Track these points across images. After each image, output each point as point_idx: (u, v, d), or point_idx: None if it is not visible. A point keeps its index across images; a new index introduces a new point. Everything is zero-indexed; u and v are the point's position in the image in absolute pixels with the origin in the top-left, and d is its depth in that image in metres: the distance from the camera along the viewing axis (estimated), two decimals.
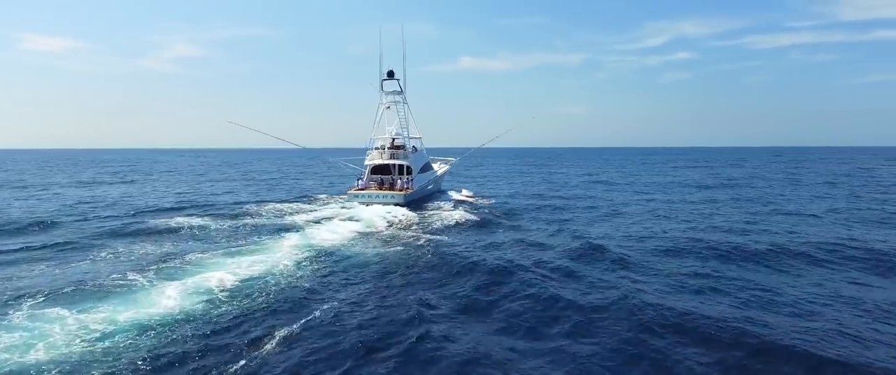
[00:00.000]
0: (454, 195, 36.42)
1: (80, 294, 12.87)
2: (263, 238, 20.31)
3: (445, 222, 25.04)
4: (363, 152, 34.75)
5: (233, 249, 18.15)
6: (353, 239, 20.68)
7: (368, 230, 22.83)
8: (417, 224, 24.95)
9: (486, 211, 29.27)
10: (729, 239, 20.35)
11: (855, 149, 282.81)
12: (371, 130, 34.69)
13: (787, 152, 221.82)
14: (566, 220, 26.63)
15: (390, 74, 33.81)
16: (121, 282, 13.76)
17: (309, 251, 18.05)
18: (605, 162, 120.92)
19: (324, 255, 17.60)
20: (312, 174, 70.36)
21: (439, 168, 40.13)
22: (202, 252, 17.66)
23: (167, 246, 18.91)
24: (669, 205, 32.43)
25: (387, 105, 34.12)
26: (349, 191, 30.41)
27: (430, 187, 34.98)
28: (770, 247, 18.58)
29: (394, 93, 34.22)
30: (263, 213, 27.33)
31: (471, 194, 37.36)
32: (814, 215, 27.33)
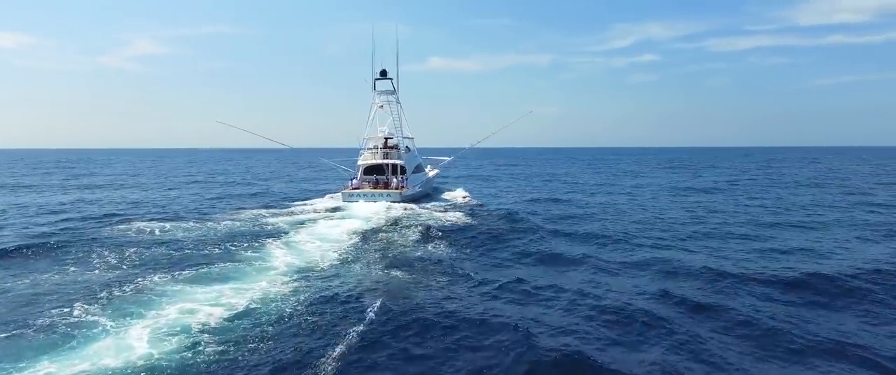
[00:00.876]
0: (448, 196, 34.62)
1: (12, 341, 9.71)
2: (246, 252, 17.14)
3: (448, 226, 22.62)
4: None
5: (210, 269, 15.01)
6: (353, 250, 17.81)
7: (368, 238, 20.02)
8: (419, 228, 22.27)
9: (485, 213, 27.24)
10: (771, 262, 18.57)
11: (817, 150, 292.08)
12: (364, 130, 33.82)
13: (755, 152, 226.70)
14: (567, 222, 25.15)
15: (383, 73, 33.25)
16: (69, 321, 10.59)
17: (306, 270, 15.12)
18: (586, 163, 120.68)
19: (325, 276, 14.71)
20: (285, 176, 66.42)
21: (430, 170, 38.90)
22: (171, 272, 14.50)
23: (126, 265, 15.57)
24: (662, 210, 30.83)
25: (380, 104, 33.42)
26: (343, 191, 29.10)
27: (423, 188, 33.92)
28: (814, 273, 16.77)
29: (387, 92, 33.64)
30: (240, 220, 24.04)
31: (466, 195, 35.61)
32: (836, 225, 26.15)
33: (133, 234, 20.39)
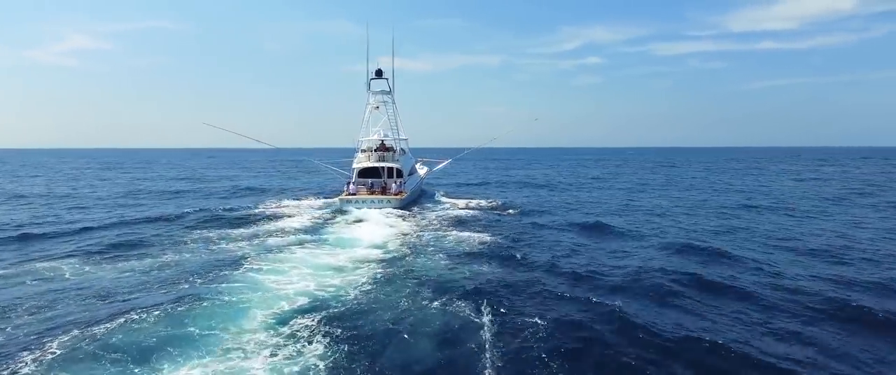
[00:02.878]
0: (443, 198, 32.36)
1: None
2: (218, 311, 10.51)
3: (475, 235, 17.64)
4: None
5: (162, 350, 8.68)
6: (382, 291, 11.77)
7: (387, 266, 14.03)
8: (439, 242, 17.16)
9: (494, 216, 24.10)
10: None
11: (760, 150, 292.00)
12: (359, 131, 32.41)
13: (704, 153, 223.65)
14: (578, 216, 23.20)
15: (379, 73, 32.17)
16: None
17: (330, 330, 9.12)
18: (565, 163, 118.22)
19: (359, 336, 8.81)
20: (222, 180, 57.73)
21: (420, 168, 37.69)
22: (98, 358, 8.11)
23: (12, 340, 8.90)
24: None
25: (376, 105, 32.26)
26: (340, 198, 26.66)
27: (416, 190, 32.64)
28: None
29: (382, 92, 32.54)
30: (192, 243, 17.32)
31: (459, 196, 33.69)
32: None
33: (30, 276, 13.40)
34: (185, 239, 18.27)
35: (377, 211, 24.42)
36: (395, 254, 15.27)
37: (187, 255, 15.63)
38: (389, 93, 32.66)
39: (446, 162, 38.38)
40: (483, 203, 29.94)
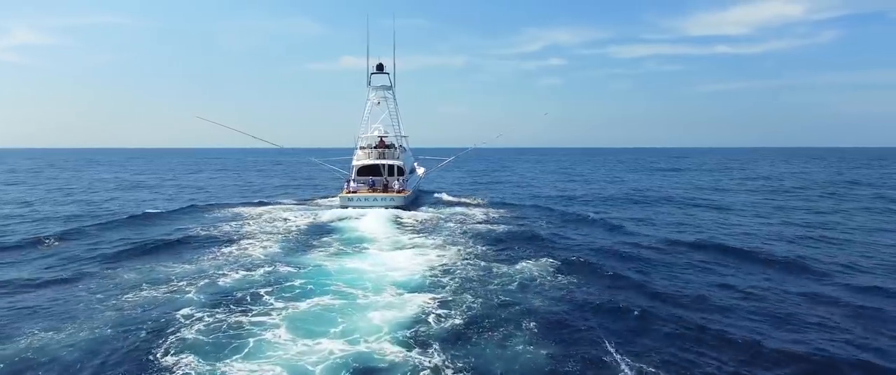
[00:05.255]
0: (447, 198, 30.96)
1: None
2: None
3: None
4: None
5: None
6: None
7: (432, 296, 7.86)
8: (506, 290, 10.92)
9: (500, 216, 22.06)
10: None
11: (722, 150, 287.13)
12: (358, 128, 31.20)
13: (676, 152, 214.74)
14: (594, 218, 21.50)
15: (380, 68, 31.42)
16: None
17: None
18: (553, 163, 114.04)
19: None
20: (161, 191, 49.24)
21: (418, 167, 35.05)
22: None
23: None
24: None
25: (376, 101, 31.26)
26: (340, 196, 25.39)
27: (416, 190, 31.18)
28: None
29: (383, 87, 31.53)
30: (100, 291, 10.22)
31: (464, 198, 31.55)
32: None
33: None
34: (88, 285, 10.99)
35: (380, 212, 22.45)
36: (464, 340, 8.30)
37: (69, 329, 8.46)
38: (390, 88, 31.72)
39: (449, 160, 34.65)
40: (501, 213, 24.22)
